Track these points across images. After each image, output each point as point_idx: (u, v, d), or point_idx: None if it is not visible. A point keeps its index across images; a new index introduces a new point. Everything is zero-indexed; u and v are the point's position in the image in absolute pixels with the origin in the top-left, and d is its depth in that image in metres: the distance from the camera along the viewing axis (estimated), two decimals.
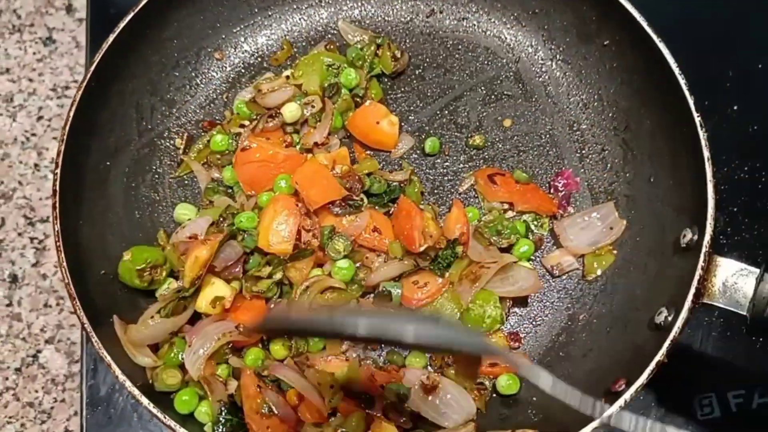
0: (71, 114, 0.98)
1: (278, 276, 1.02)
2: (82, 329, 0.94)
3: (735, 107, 1.28)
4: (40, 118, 1.38)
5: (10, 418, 1.19)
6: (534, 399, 0.99)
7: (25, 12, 1.45)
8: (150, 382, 0.94)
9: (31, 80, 1.41)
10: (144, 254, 1.01)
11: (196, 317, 1.03)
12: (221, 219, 1.06)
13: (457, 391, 0.97)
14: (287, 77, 1.17)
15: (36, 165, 1.34)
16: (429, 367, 1.03)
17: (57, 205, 0.93)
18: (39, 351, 1.23)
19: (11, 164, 1.33)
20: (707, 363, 1.13)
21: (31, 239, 1.29)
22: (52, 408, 1.20)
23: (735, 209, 1.21)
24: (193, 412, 0.96)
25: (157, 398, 0.87)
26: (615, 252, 1.06)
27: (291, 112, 1.12)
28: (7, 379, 1.21)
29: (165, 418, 0.84)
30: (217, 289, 0.99)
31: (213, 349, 0.96)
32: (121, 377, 0.85)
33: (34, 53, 1.42)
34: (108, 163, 1.08)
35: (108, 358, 0.86)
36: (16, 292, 1.26)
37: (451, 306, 1.03)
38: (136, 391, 0.84)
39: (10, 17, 1.45)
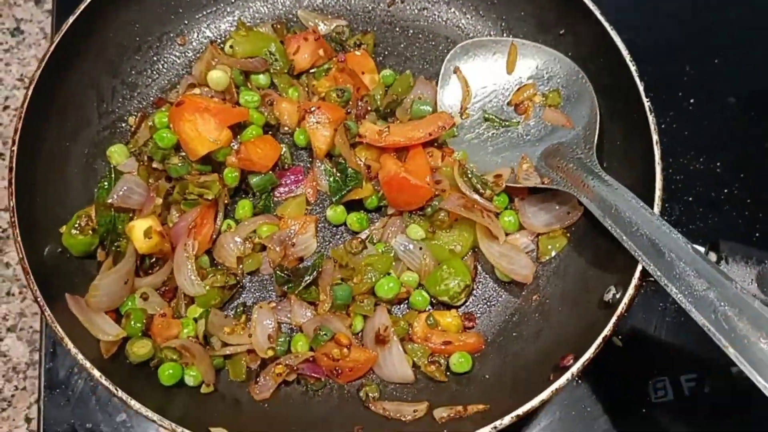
0: (29, 93, 0.98)
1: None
2: (39, 308, 0.93)
3: (691, 101, 1.31)
4: (6, 107, 1.38)
5: None
6: (486, 377, 1.00)
7: None
8: (105, 357, 0.94)
9: None
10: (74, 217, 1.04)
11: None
12: (140, 151, 1.09)
13: (398, 357, 1.00)
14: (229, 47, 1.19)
15: (1, 154, 1.34)
16: (430, 308, 1.06)
17: (13, 181, 0.93)
18: (1, 339, 1.22)
19: None
20: (661, 348, 1.15)
21: None
22: (12, 396, 1.19)
23: (690, 199, 1.24)
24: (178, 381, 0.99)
25: (112, 373, 0.87)
26: (568, 235, 1.07)
27: (216, 79, 1.13)
28: None
29: (117, 390, 0.84)
30: (139, 226, 1.01)
31: (194, 265, 1.02)
32: (74, 350, 0.85)
33: (2, 44, 1.42)
34: (67, 144, 1.08)
35: (60, 332, 0.86)
36: None
37: (422, 227, 1.06)
38: (87, 364, 0.85)
39: None
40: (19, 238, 0.91)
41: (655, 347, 1.15)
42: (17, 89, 1.41)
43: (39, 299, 0.88)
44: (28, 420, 1.17)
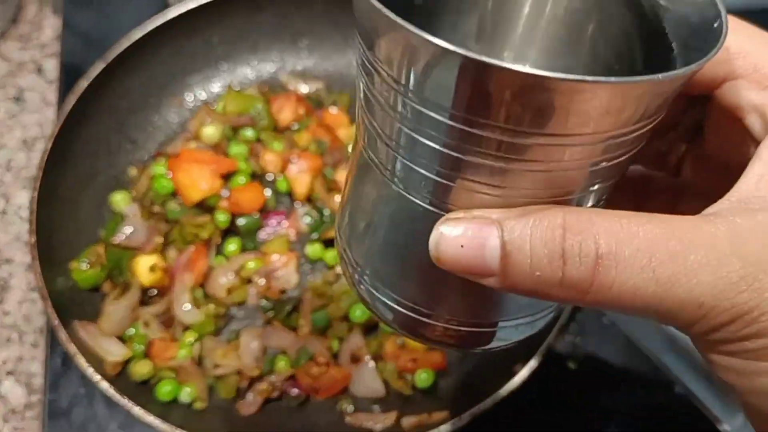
0: (49, 146, 1.13)
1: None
2: (52, 332, 1.04)
3: None
4: (9, 168, 1.49)
5: None
6: (448, 389, 1.13)
7: None
8: (111, 376, 1.05)
9: (1, 134, 1.52)
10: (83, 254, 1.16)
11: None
12: (142, 197, 1.23)
13: (371, 375, 1.12)
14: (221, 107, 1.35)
15: (3, 211, 1.44)
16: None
17: (34, 222, 1.07)
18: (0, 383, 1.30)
19: None
20: None
21: None
22: None
23: None
24: (174, 398, 1.09)
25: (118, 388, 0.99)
26: None
27: (209, 134, 1.29)
28: None
29: (123, 398, 0.95)
30: (144, 262, 1.14)
31: (191, 296, 1.14)
32: (85, 365, 0.97)
33: (5, 111, 1.55)
34: (79, 191, 1.22)
35: (74, 349, 0.98)
36: None
37: None
38: (98, 378, 0.97)
39: None
40: (39, 270, 1.04)
41: None
42: (20, 151, 1.51)
43: (56, 321, 1.00)
44: None
